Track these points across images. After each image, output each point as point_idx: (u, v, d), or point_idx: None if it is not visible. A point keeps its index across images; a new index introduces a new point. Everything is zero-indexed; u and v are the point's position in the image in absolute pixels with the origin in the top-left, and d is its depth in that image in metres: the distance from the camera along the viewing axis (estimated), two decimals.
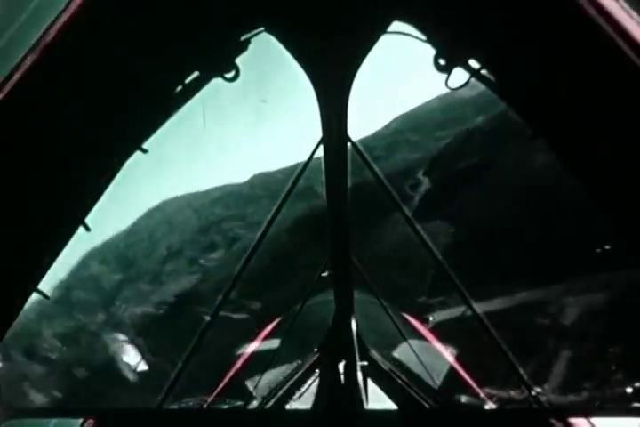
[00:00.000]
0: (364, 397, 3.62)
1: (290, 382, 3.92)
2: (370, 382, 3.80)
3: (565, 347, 8.47)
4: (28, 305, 1.73)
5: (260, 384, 4.10)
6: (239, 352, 5.51)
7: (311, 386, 3.86)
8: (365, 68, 1.80)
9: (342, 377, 3.75)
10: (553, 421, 2.21)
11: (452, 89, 1.65)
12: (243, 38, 1.64)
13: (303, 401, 3.68)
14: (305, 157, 2.62)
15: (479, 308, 2.63)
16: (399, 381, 3.90)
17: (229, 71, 1.68)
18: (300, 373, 4.06)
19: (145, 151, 1.77)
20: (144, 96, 1.65)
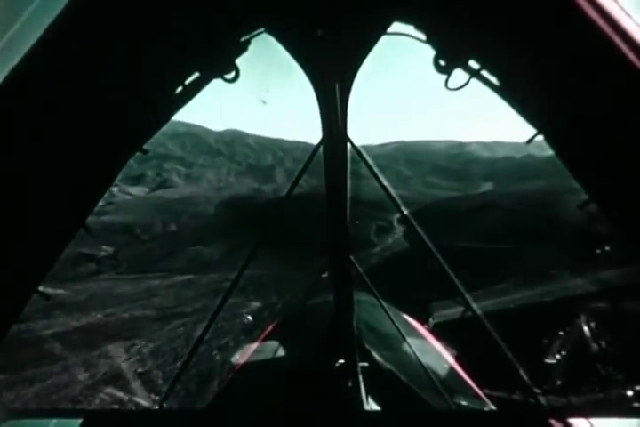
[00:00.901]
0: (364, 397, 3.62)
1: (289, 383, 3.92)
2: (370, 383, 3.80)
3: (566, 347, 8.46)
4: None
5: (260, 385, 4.09)
6: (239, 353, 5.51)
7: (311, 386, 3.86)
8: (365, 68, 1.81)
9: (342, 378, 3.75)
10: (553, 421, 2.21)
11: (452, 89, 1.65)
12: (243, 39, 1.65)
13: (303, 402, 3.68)
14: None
15: (479, 308, 2.63)
16: (399, 381, 3.90)
17: (229, 72, 1.68)
18: (299, 373, 4.06)
19: (145, 152, 1.77)
20: (144, 96, 1.66)
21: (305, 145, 49.36)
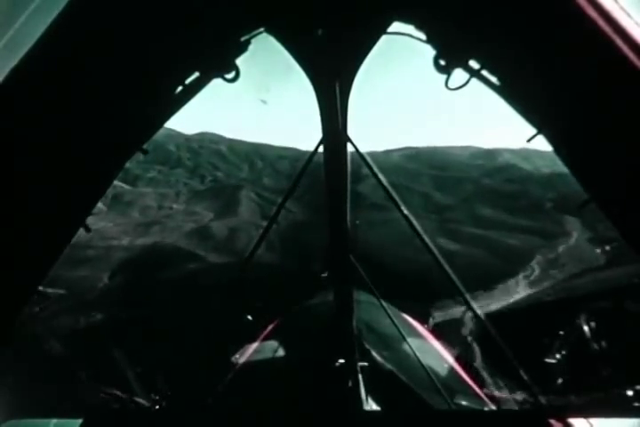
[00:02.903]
0: (364, 397, 3.62)
1: (289, 383, 3.92)
2: (370, 383, 3.80)
3: (566, 347, 8.46)
4: None
5: (260, 385, 4.09)
6: (239, 352, 5.51)
7: (311, 386, 3.86)
8: (366, 67, 1.80)
9: (342, 377, 3.75)
10: (553, 421, 2.21)
11: (452, 89, 1.65)
12: (243, 39, 1.65)
13: (303, 402, 3.68)
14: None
15: (479, 308, 2.62)
16: (399, 381, 3.90)
17: (230, 72, 1.68)
18: (300, 373, 4.06)
19: (145, 151, 1.77)
20: (144, 96, 1.66)
21: (293, 153, 37.77)
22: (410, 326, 5.43)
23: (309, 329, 4.95)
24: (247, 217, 23.69)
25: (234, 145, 40.74)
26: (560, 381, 7.58)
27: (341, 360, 3.90)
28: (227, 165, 35.90)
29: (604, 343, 8.15)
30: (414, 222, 2.66)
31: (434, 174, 28.28)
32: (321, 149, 2.36)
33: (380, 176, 2.60)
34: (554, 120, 1.53)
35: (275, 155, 37.84)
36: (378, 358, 4.11)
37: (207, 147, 39.53)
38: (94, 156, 1.64)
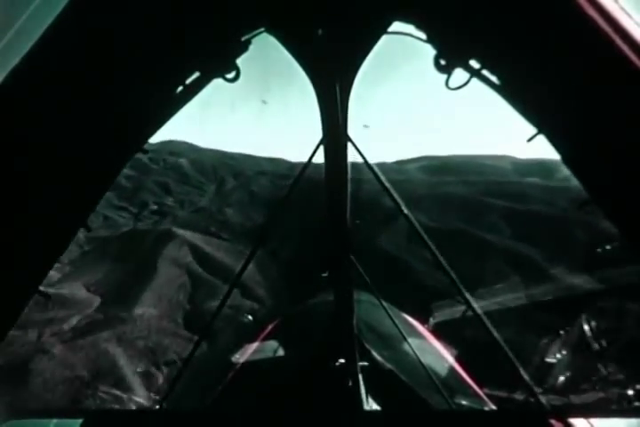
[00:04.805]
0: (364, 397, 3.62)
1: (289, 383, 3.92)
2: (370, 383, 3.80)
3: (566, 347, 8.47)
4: None
5: (260, 384, 4.10)
6: (239, 352, 5.52)
7: (311, 386, 3.87)
8: (366, 67, 1.80)
9: (342, 378, 3.76)
10: (553, 421, 2.21)
11: (452, 89, 1.65)
12: (243, 39, 1.65)
13: (303, 402, 3.68)
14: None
15: (479, 308, 2.63)
16: (399, 381, 3.90)
17: (230, 72, 1.69)
18: (299, 373, 4.06)
19: (145, 152, 1.77)
20: (144, 96, 1.66)
21: (277, 166, 26.98)
22: (410, 325, 5.44)
23: (309, 329, 4.95)
24: (146, 325, 10.52)
25: (201, 158, 28.98)
26: (560, 380, 7.59)
27: (341, 360, 3.90)
28: (184, 187, 24.67)
29: (604, 343, 8.16)
30: (413, 220, 2.67)
31: (504, 207, 15.65)
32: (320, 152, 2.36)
33: (382, 178, 2.61)
34: (554, 120, 1.53)
35: (253, 169, 26.71)
36: (378, 357, 4.12)
37: (163, 160, 27.54)
38: (94, 156, 1.65)
